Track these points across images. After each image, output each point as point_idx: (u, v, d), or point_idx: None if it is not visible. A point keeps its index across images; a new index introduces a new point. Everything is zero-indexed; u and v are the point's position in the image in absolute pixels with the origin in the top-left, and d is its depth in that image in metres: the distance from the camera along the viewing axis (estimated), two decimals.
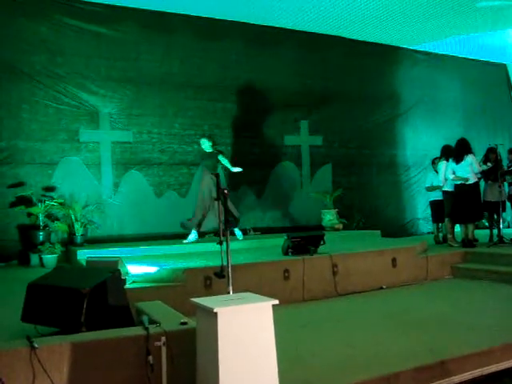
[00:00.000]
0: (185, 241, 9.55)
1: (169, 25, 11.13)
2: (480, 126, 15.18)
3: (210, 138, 10.03)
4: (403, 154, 14.15)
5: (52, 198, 9.63)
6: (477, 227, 10.54)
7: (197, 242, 9.55)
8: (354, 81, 13.18)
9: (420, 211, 14.05)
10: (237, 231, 9.99)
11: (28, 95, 9.87)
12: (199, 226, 9.68)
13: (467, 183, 9.37)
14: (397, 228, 13.35)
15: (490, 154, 10.43)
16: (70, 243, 9.64)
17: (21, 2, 9.79)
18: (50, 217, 9.69)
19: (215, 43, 11.54)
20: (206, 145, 9.83)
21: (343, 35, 12.92)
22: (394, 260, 8.26)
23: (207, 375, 3.56)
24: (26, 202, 9.41)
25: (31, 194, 9.43)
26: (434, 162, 10.76)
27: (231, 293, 4.18)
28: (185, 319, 4.24)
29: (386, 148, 13.85)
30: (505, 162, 10.79)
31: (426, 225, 13.88)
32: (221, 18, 11.53)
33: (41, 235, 9.33)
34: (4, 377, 3.42)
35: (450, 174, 9.54)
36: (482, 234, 10.54)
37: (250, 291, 4.09)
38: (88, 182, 10.27)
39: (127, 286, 6.17)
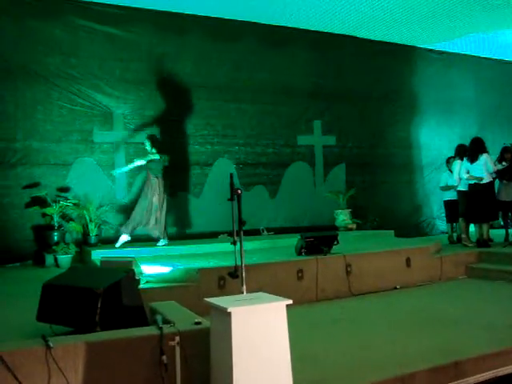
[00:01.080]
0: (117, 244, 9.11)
1: (182, 25, 11.16)
2: (495, 125, 15.06)
3: (150, 138, 9.64)
4: (417, 153, 14.08)
5: (66, 199, 9.70)
6: (492, 227, 10.46)
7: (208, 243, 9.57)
8: (368, 80, 13.13)
9: (434, 211, 13.97)
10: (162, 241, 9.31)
11: (42, 96, 9.94)
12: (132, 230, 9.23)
13: (481, 183, 9.31)
14: (410, 228, 13.29)
15: (505, 154, 10.34)
16: (84, 243, 9.71)
17: (35, 4, 9.86)
18: (65, 217, 9.76)
19: (228, 44, 11.56)
20: (148, 146, 9.54)
21: (356, 35, 12.88)
22: (408, 260, 8.23)
23: (221, 375, 3.57)
24: (41, 202, 9.48)
25: (46, 195, 9.50)
26: (449, 162, 10.69)
27: (245, 293, 4.18)
28: (199, 319, 4.24)
29: (400, 147, 13.78)
30: None
31: (439, 224, 13.80)
32: (233, 18, 11.55)
33: (55, 235, 9.40)
34: (20, 376, 3.45)
35: (464, 174, 9.48)
36: (497, 234, 10.45)
37: (264, 291, 4.09)
38: (102, 183, 10.33)
39: (141, 286, 6.19)
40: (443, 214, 11.59)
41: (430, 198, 13.94)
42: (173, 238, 10.24)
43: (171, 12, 10.98)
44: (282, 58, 12.15)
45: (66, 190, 9.93)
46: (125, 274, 4.64)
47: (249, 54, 11.82)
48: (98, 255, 8.12)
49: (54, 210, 9.43)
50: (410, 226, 13.44)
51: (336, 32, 12.65)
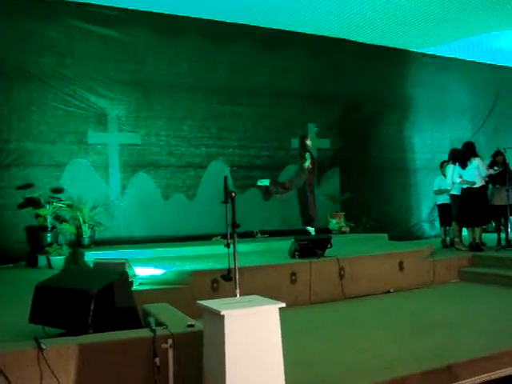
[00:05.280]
0: None
1: (177, 28, 11.14)
2: (488, 129, 15.15)
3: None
4: (411, 157, 14.11)
5: (60, 200, 9.66)
6: (485, 231, 10.50)
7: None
8: (362, 84, 13.14)
9: (426, 214, 14.00)
10: None
11: (37, 97, 9.90)
12: None
13: (474, 187, 9.35)
14: (404, 231, 13.32)
15: (496, 158, 10.41)
16: (77, 245, 9.66)
17: (31, 5, 9.82)
18: (58, 218, 9.72)
19: (224, 46, 11.54)
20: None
21: (352, 38, 12.89)
22: (401, 263, 8.25)
23: (214, 378, 3.57)
24: (34, 203, 9.45)
25: (39, 196, 9.46)
26: (442, 166, 10.73)
27: (238, 295, 4.18)
28: (192, 322, 4.24)
29: (394, 151, 13.80)
30: None
31: (432, 228, 13.83)
32: (229, 20, 11.52)
33: (48, 237, 9.36)
34: (12, 377, 3.44)
35: (456, 178, 9.52)
36: (489, 238, 10.49)
37: (257, 294, 4.09)
38: (96, 184, 10.29)
39: (134, 288, 6.18)
40: (436, 218, 11.60)
41: (423, 202, 13.97)
42: (166, 241, 10.26)
43: (167, 14, 10.96)
44: (278, 61, 12.14)
45: (59, 191, 9.89)
46: (118, 275, 4.63)
47: (244, 57, 11.81)
48: (91, 257, 8.10)
49: (47, 211, 9.40)
50: (404, 229, 13.47)
51: (331, 36, 12.65)
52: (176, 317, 4.62)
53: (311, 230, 10.56)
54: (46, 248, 9.06)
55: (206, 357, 3.76)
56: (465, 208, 9.50)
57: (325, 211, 12.18)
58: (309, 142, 10.90)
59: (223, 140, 11.61)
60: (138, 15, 10.75)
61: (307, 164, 10.62)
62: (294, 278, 7.26)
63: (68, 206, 9.66)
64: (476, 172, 9.36)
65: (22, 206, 9.52)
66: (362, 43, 13.14)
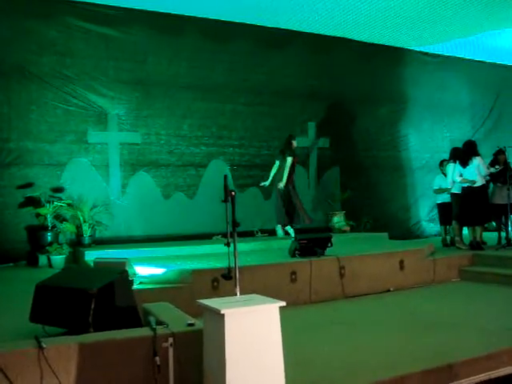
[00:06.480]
0: None
1: (177, 27, 11.13)
2: (489, 128, 15.13)
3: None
4: (411, 156, 14.10)
5: (60, 199, 9.66)
6: (485, 230, 10.49)
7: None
8: (362, 83, 13.13)
9: (426, 213, 14.00)
10: None
11: (37, 96, 9.89)
12: None
13: (474, 186, 9.35)
14: (404, 230, 13.31)
15: (499, 157, 10.40)
16: (77, 244, 9.66)
17: (31, 3, 9.82)
18: (58, 218, 9.72)
19: (223, 45, 11.54)
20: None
21: (351, 37, 12.89)
22: (401, 262, 8.24)
23: (214, 376, 3.57)
24: (35, 202, 9.45)
25: (40, 195, 9.46)
26: (442, 165, 10.73)
27: (238, 294, 4.18)
28: (192, 320, 4.24)
29: (394, 150, 13.81)
30: None
31: (433, 227, 13.82)
32: (229, 20, 11.52)
33: (49, 236, 9.36)
34: (12, 376, 3.44)
35: (457, 177, 9.51)
36: (490, 237, 10.48)
37: (257, 293, 4.09)
38: (96, 183, 10.29)
39: (134, 286, 6.18)
40: (436, 217, 11.59)
41: (423, 201, 13.95)
42: (165, 239, 10.25)
43: (166, 13, 10.94)
44: (278, 60, 12.13)
45: (59, 190, 9.89)
46: (118, 274, 4.64)
47: (244, 56, 11.80)
48: (91, 256, 8.09)
49: (47, 211, 9.40)
50: (404, 228, 13.46)
51: (331, 34, 12.65)
52: (176, 316, 4.62)
53: (290, 230, 10.36)
54: (47, 247, 9.06)
55: (206, 356, 3.76)
56: (465, 207, 9.49)
57: (325, 210, 12.20)
58: (295, 143, 10.85)
59: (223, 139, 11.61)
60: (138, 14, 10.74)
61: (287, 165, 10.51)
62: (294, 276, 7.26)
63: (68, 205, 9.65)
64: (476, 171, 9.35)
65: (22, 205, 9.53)
66: (362, 42, 13.12)
